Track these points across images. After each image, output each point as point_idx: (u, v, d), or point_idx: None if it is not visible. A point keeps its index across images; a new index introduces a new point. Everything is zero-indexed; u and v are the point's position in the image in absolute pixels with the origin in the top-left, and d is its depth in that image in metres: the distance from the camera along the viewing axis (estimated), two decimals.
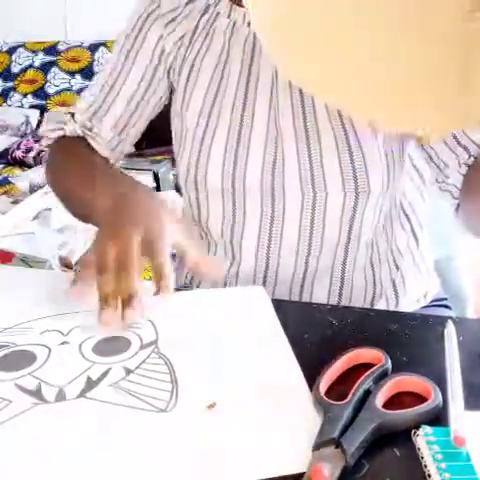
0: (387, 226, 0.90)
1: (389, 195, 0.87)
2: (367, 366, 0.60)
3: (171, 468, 0.50)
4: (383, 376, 0.59)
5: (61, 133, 0.95)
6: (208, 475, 0.49)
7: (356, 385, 0.56)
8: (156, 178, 2.41)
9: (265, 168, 0.85)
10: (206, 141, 0.86)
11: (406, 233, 0.93)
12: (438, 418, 0.55)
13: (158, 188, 2.42)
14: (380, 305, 0.91)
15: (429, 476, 0.50)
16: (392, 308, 0.91)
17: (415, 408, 0.55)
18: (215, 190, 0.88)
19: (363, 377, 0.57)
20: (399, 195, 0.90)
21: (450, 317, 0.71)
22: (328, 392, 0.57)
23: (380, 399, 0.55)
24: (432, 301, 0.99)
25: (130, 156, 2.73)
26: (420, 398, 0.57)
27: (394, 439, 0.53)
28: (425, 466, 0.50)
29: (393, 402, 0.56)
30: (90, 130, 0.93)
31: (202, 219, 0.92)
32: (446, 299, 1.01)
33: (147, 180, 2.38)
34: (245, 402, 0.56)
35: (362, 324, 0.71)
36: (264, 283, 0.90)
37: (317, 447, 0.51)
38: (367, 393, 0.56)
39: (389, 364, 0.60)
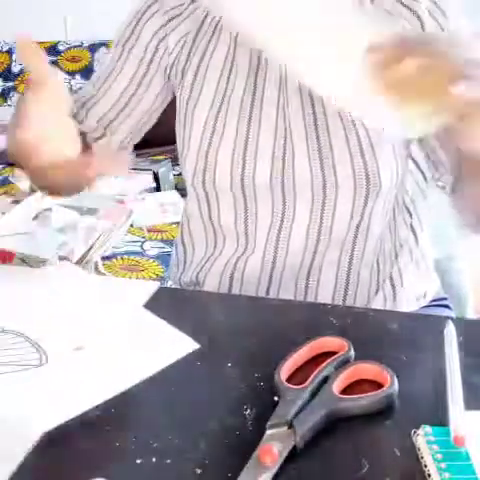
0: (391, 221, 0.90)
1: (396, 190, 0.87)
2: (332, 354, 0.61)
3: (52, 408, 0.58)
4: (345, 364, 0.60)
5: None
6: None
7: (316, 371, 0.58)
8: (156, 178, 2.41)
9: (274, 168, 0.85)
10: (214, 144, 0.86)
11: (407, 228, 0.93)
12: (392, 406, 0.57)
13: (158, 188, 2.41)
14: (378, 300, 0.91)
15: (429, 476, 0.50)
16: (390, 303, 0.91)
17: (368, 394, 0.56)
18: (225, 191, 0.88)
19: (323, 364, 0.59)
20: (402, 190, 0.90)
21: (450, 317, 0.71)
22: (291, 377, 0.59)
23: (338, 385, 0.57)
24: (432, 301, 0.99)
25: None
26: (380, 386, 0.58)
27: (394, 439, 0.53)
28: (425, 466, 0.50)
29: (353, 389, 0.58)
30: (74, 117, 0.92)
31: (213, 216, 0.92)
32: (446, 299, 1.01)
33: (147, 180, 2.38)
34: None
35: (362, 324, 0.71)
36: (271, 276, 0.90)
37: (271, 427, 0.53)
38: (326, 379, 0.58)
39: (352, 352, 0.62)
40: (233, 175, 0.86)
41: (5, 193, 2.37)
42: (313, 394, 0.57)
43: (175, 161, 2.46)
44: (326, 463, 0.52)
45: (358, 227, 0.86)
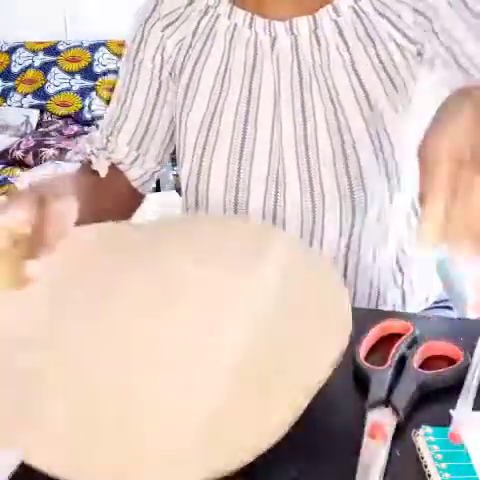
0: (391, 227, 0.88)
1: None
2: (396, 335, 0.64)
3: None
4: (413, 343, 0.63)
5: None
6: None
7: (392, 351, 0.61)
8: None
9: (270, 179, 0.83)
10: (207, 153, 0.85)
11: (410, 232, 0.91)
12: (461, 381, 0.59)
13: (158, 188, 2.41)
14: (387, 307, 0.89)
15: (429, 476, 0.50)
16: (398, 310, 0.91)
17: (450, 368, 0.60)
18: (217, 202, 0.86)
19: (397, 344, 0.62)
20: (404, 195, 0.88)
21: (451, 318, 0.72)
22: (366, 359, 0.61)
23: (416, 362, 0.60)
24: (434, 303, 0.98)
25: None
26: (449, 360, 0.61)
27: (394, 439, 0.53)
28: (425, 466, 0.50)
29: (427, 364, 0.61)
30: (105, 149, 0.91)
31: None
32: (447, 300, 1.01)
33: None
34: None
35: (363, 324, 0.71)
36: None
37: (370, 407, 0.55)
38: (402, 358, 0.61)
39: (417, 332, 0.64)
40: (227, 187, 0.84)
41: (5, 193, 2.37)
42: (396, 373, 0.59)
43: (175, 161, 2.46)
44: (326, 463, 0.52)
45: (349, 240, 0.84)
